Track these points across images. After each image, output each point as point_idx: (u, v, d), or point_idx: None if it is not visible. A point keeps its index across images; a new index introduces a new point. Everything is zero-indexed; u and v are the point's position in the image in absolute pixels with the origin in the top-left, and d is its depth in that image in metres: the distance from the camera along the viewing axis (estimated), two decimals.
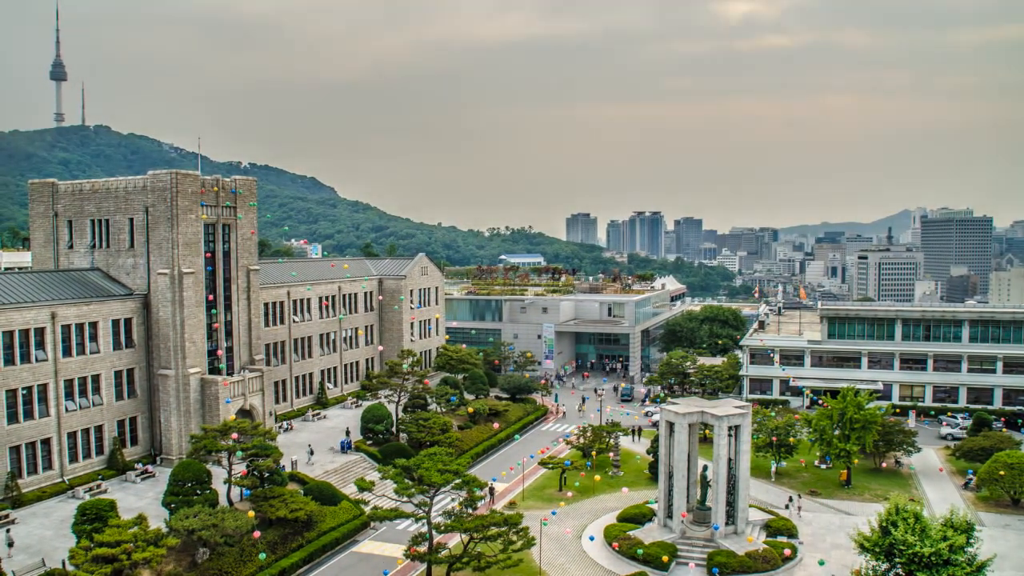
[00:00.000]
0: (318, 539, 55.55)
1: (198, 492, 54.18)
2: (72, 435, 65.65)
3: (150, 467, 69.39)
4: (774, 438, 73.47)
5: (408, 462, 51.05)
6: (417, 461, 51.04)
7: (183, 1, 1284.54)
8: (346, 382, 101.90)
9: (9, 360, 60.66)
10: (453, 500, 51.77)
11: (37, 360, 62.79)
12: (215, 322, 74.94)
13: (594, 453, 75.14)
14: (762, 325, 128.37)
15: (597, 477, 69.41)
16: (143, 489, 64.83)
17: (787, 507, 63.48)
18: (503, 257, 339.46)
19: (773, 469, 73.54)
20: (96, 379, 67.81)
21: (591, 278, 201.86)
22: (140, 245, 72.24)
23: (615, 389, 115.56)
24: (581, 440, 77.14)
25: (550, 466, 71.49)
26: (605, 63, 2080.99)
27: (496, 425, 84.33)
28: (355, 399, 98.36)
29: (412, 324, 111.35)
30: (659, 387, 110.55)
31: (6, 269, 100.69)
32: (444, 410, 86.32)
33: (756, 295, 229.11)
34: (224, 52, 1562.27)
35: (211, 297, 74.50)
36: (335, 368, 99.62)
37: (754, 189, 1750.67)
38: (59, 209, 76.87)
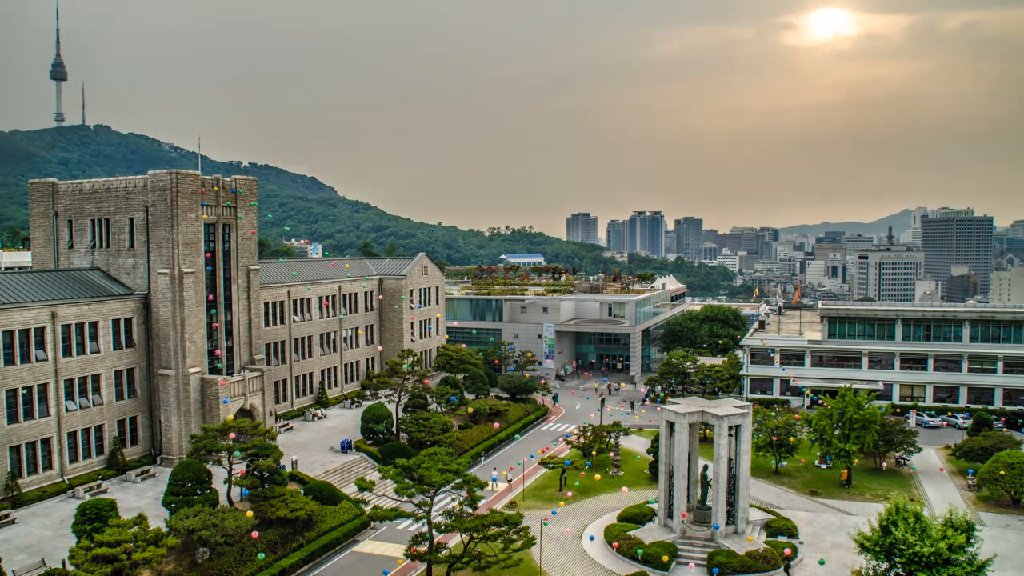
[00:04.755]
0: (318, 539, 55.54)
1: (198, 492, 54.17)
2: (72, 435, 65.66)
3: (150, 467, 69.41)
4: (774, 438, 73.47)
5: (408, 462, 51.03)
6: (417, 461, 51.03)
7: (183, 1, 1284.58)
8: (346, 382, 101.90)
9: (9, 360, 60.65)
10: (453, 500, 51.76)
11: (37, 360, 62.78)
12: (215, 322, 74.94)
13: (594, 453, 75.12)
14: (762, 325, 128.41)
15: (597, 477, 69.42)
16: (143, 489, 64.84)
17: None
18: (503, 257, 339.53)
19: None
20: (96, 379, 67.82)
21: (591, 278, 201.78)
22: (140, 245, 72.26)
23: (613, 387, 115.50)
24: (581, 440, 77.12)
25: (550, 466, 71.48)
26: (605, 59, 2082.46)
27: (496, 425, 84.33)
28: (355, 399, 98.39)
29: (412, 324, 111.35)
30: (659, 387, 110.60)
31: (6, 269, 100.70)
32: (444, 410, 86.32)
33: (757, 294, 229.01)
34: (224, 52, 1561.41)
35: (211, 297, 74.51)
36: (335, 368, 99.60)
37: (754, 189, 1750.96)
38: (59, 209, 76.88)
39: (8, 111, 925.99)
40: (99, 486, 64.33)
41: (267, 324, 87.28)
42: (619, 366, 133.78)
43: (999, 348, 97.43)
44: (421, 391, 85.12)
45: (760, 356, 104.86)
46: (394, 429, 79.71)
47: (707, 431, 68.28)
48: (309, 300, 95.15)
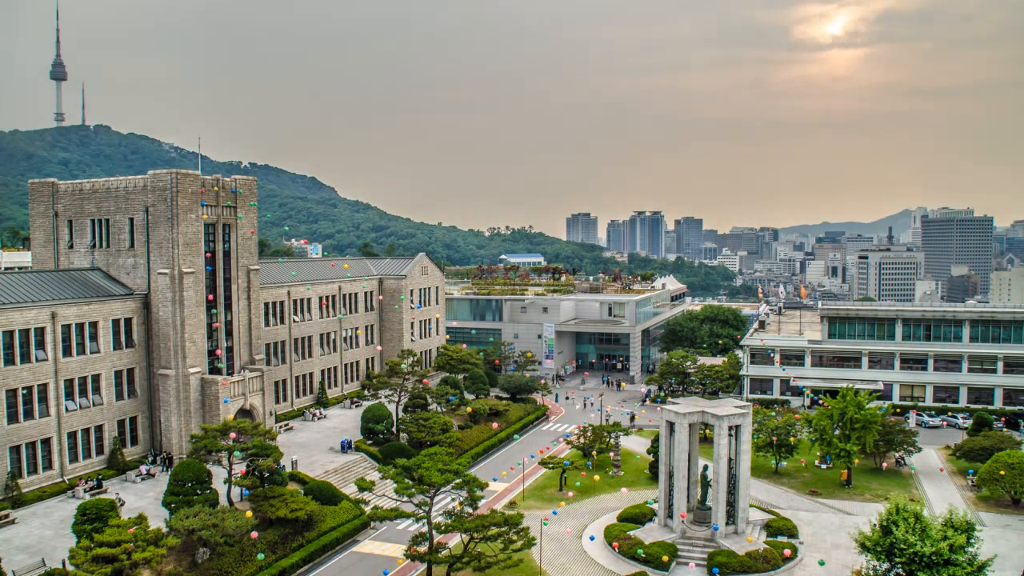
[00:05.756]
0: (318, 539, 55.54)
1: (198, 492, 54.16)
2: (72, 435, 65.66)
3: (151, 467, 69.41)
4: (774, 438, 73.46)
5: (408, 462, 51.03)
6: (417, 461, 51.03)
7: (183, 1, 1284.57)
8: (346, 382, 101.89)
9: (9, 360, 60.66)
10: (453, 500, 51.77)
11: (37, 360, 62.78)
12: (215, 322, 74.93)
13: (594, 453, 75.12)
14: (762, 325, 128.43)
15: (597, 477, 69.39)
16: (143, 489, 64.83)
17: None
18: (503, 257, 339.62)
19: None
20: (96, 379, 67.82)
21: (591, 278, 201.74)
22: (140, 245, 72.25)
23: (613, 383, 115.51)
24: (581, 440, 77.12)
25: (550, 466, 71.48)
26: (604, 60, 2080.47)
27: (496, 425, 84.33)
28: (355, 399, 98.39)
29: (412, 324, 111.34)
30: (658, 387, 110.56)
31: (6, 269, 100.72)
32: (444, 410, 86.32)
33: (761, 295, 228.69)
34: (224, 51, 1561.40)
35: (211, 297, 74.50)
36: (335, 368, 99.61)
37: (755, 189, 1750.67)
38: (59, 209, 76.88)
39: (8, 111, 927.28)
40: (99, 486, 64.31)
41: (267, 324, 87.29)
42: (619, 366, 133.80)
43: (999, 348, 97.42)
44: (421, 391, 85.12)
45: (760, 356, 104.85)
46: (394, 429, 79.71)
47: (707, 431, 68.29)
48: (309, 300, 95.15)
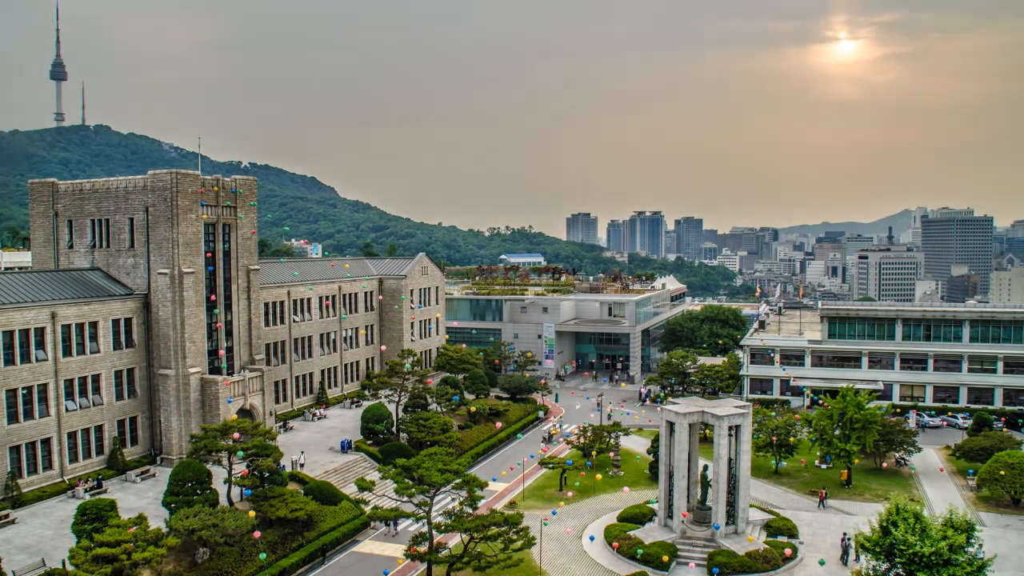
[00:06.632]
0: (318, 539, 55.55)
1: (198, 492, 54.18)
2: (72, 435, 65.64)
3: (150, 467, 69.41)
4: (774, 438, 73.48)
5: (408, 462, 51.04)
6: (417, 461, 51.02)
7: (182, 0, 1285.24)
8: (346, 382, 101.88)
9: (9, 360, 60.63)
10: (453, 500, 51.78)
11: (37, 360, 62.76)
12: (216, 322, 74.92)
13: (594, 453, 75.11)
14: (762, 325, 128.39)
15: (598, 477, 69.43)
16: (143, 489, 64.84)
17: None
18: (503, 257, 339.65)
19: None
20: (96, 379, 67.80)
21: (591, 278, 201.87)
22: (140, 245, 72.25)
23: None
24: (581, 440, 77.12)
25: (550, 466, 71.49)
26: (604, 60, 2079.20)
27: (499, 424, 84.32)
28: (355, 399, 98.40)
29: (412, 324, 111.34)
30: (659, 387, 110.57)
31: (6, 269, 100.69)
32: (444, 410, 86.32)
33: (759, 294, 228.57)
34: (224, 51, 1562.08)
35: (212, 297, 74.50)
36: (335, 368, 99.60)
37: (754, 189, 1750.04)
38: (59, 209, 76.88)
39: (8, 111, 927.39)
40: (99, 486, 64.30)
41: (267, 324, 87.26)
42: (619, 366, 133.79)
43: (999, 348, 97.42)
44: (421, 391, 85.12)
45: (760, 356, 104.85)
46: (394, 429, 79.71)
47: (707, 431, 68.29)
48: (309, 300, 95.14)
